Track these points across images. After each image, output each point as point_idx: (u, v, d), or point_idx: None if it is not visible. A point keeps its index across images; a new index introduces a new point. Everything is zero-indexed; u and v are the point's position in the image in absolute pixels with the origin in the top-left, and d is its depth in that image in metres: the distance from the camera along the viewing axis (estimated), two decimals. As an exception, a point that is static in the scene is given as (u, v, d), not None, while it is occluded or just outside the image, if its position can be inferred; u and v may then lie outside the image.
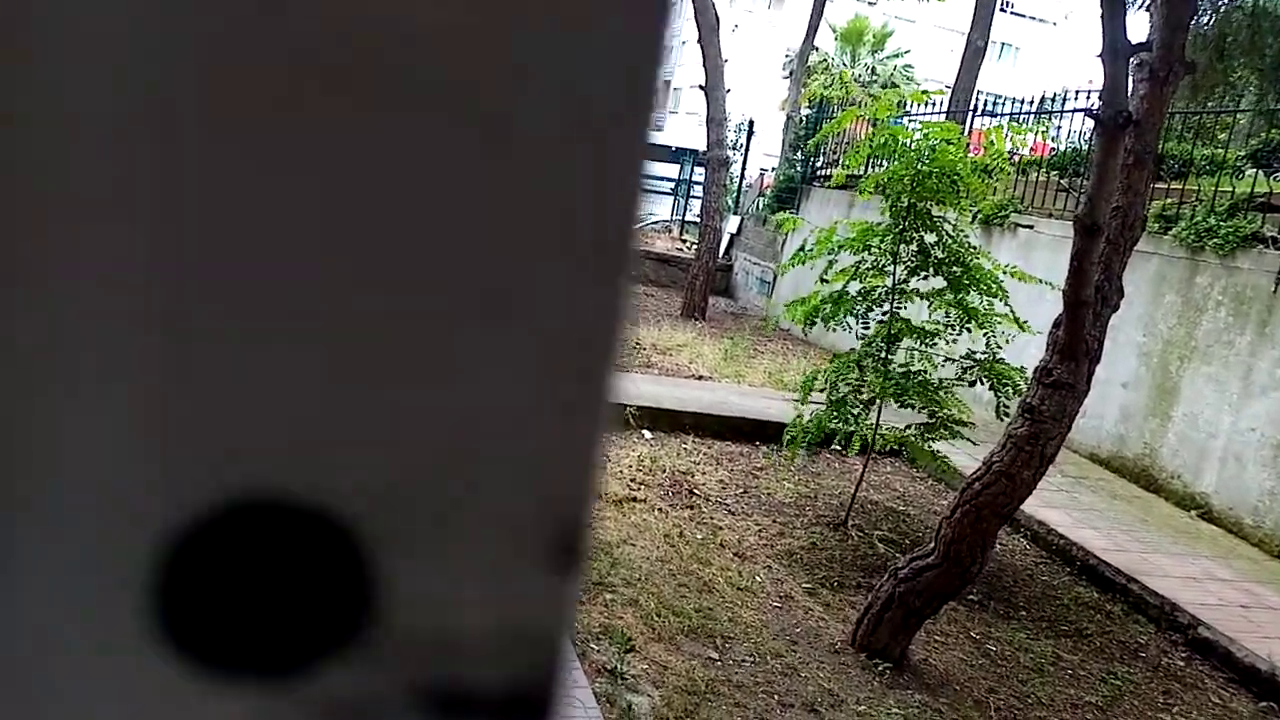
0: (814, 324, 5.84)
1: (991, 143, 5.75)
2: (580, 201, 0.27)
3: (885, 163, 5.82)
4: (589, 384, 0.27)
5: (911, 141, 5.62)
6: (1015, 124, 9.88)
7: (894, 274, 5.73)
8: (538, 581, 0.27)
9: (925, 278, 5.72)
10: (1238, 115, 8.28)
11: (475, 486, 0.26)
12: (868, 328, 5.79)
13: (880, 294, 5.77)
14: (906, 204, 5.54)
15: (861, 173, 7.79)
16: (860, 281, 5.82)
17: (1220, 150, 8.38)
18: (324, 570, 0.26)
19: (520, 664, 0.28)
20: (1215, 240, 6.99)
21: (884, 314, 5.73)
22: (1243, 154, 8.35)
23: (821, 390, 5.83)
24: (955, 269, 5.56)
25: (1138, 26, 4.80)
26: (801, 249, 6.01)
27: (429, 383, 0.26)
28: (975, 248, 5.69)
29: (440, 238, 0.26)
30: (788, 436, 5.83)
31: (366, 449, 0.26)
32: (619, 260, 0.27)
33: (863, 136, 12.03)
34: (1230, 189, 7.34)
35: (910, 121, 9.35)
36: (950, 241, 5.59)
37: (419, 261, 0.26)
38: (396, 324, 0.25)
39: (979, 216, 8.19)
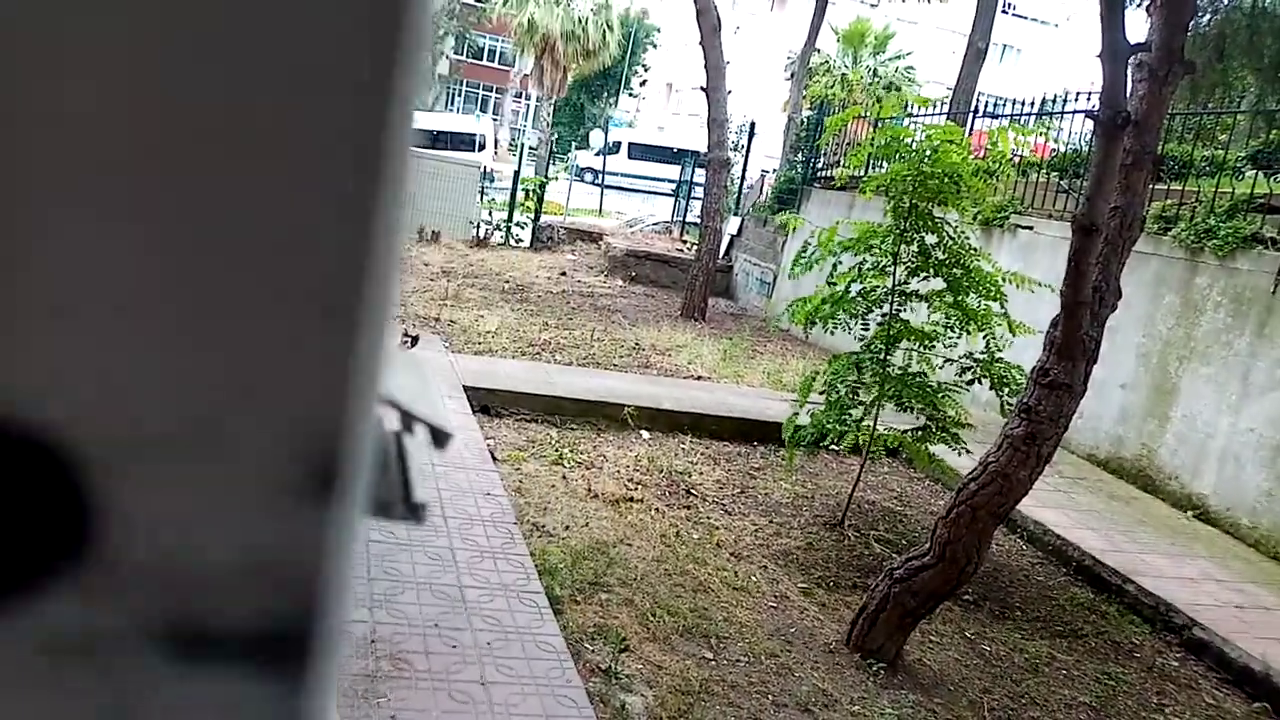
0: (814, 324, 5.84)
1: (995, 145, 5.74)
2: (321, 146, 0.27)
3: (886, 163, 5.82)
4: (340, 317, 0.27)
5: (914, 142, 5.62)
6: (1017, 125, 9.89)
7: (894, 275, 5.73)
8: (290, 514, 0.26)
9: (925, 279, 5.72)
10: (1237, 116, 8.27)
11: (217, 420, 0.25)
12: (867, 329, 5.79)
13: (880, 295, 5.77)
14: (908, 205, 5.54)
15: (862, 173, 7.79)
16: (861, 282, 5.82)
17: (1220, 151, 8.37)
18: (36, 498, 0.25)
19: (272, 600, 0.26)
20: (1214, 241, 6.99)
21: (884, 315, 5.74)
22: (1242, 155, 8.35)
23: (821, 392, 5.83)
24: (955, 271, 5.55)
25: (1137, 27, 4.81)
26: (804, 251, 6.01)
27: (164, 320, 0.25)
28: (976, 249, 5.68)
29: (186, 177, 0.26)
30: (786, 437, 5.83)
31: (96, 381, 0.25)
32: (369, 201, 0.27)
33: (864, 137, 12.06)
34: (1230, 190, 7.33)
35: (912, 122, 9.35)
36: (951, 243, 5.59)
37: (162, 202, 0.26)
38: (130, 263, 0.25)
39: (979, 218, 8.18)
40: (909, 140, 5.71)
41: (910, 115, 10.01)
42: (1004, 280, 5.56)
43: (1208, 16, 6.87)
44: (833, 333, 5.91)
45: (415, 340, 6.76)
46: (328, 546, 0.26)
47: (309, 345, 0.27)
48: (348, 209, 0.28)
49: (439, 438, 0.52)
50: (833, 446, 6.22)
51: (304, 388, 0.26)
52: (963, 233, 5.69)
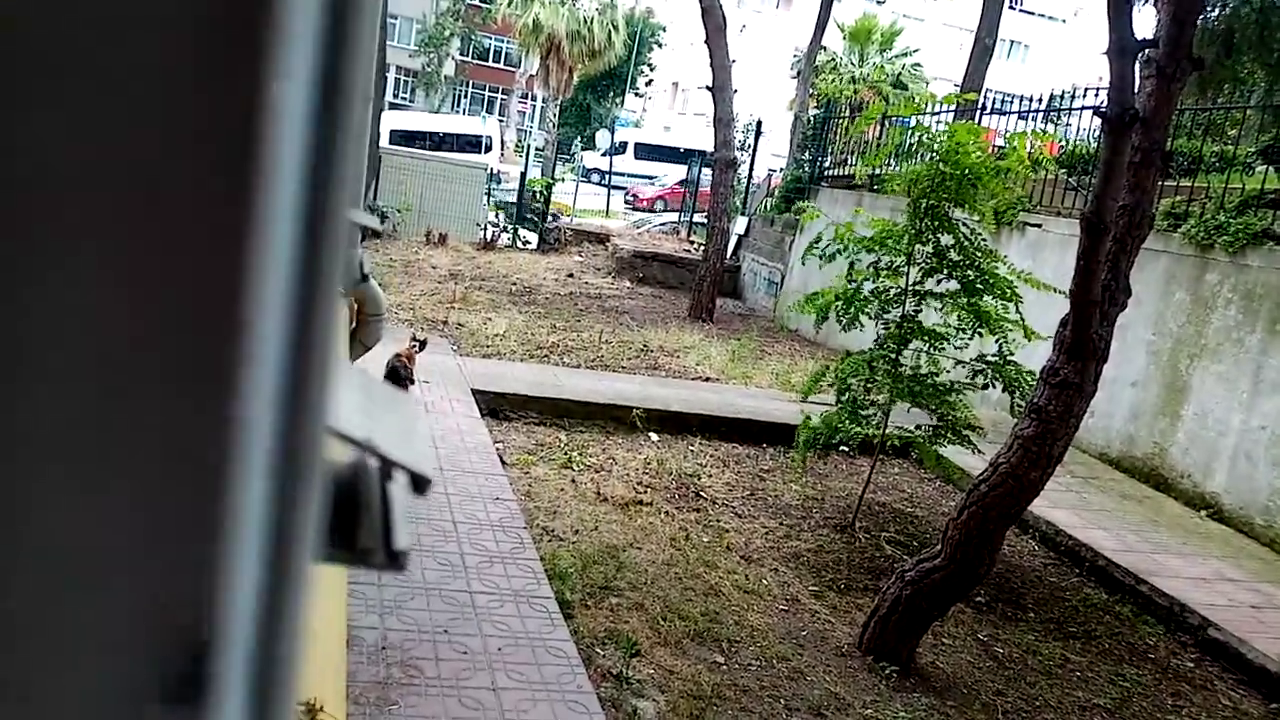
0: (825, 319, 5.81)
1: (1014, 149, 5.69)
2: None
3: (899, 163, 5.78)
4: (204, 503, 0.25)
5: (938, 140, 5.57)
6: (1036, 132, 9.85)
7: (908, 275, 5.70)
8: (147, 716, 0.23)
9: (940, 280, 5.68)
10: (1247, 111, 8.21)
11: (60, 622, 0.23)
12: (886, 327, 5.75)
13: (894, 294, 5.74)
14: (925, 205, 5.50)
15: (878, 171, 7.74)
16: (875, 281, 5.79)
17: (1230, 147, 8.32)
18: None
19: None
20: (1225, 238, 6.94)
21: (899, 315, 5.71)
22: (1253, 150, 8.29)
23: (831, 385, 5.80)
24: (970, 273, 5.51)
25: (1145, 23, 4.78)
26: (817, 240, 5.96)
27: None
28: (992, 251, 5.64)
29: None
30: (801, 438, 5.79)
31: None
32: (228, 380, 0.24)
33: (872, 136, 12.01)
34: (1240, 185, 7.28)
35: (922, 121, 9.31)
36: (967, 244, 5.55)
37: None
38: None
39: (989, 216, 8.15)
40: (929, 138, 5.67)
41: (921, 113, 9.98)
42: (1019, 279, 5.52)
43: (1216, 11, 6.81)
44: (846, 330, 5.88)
45: (423, 345, 6.75)
46: None
47: (171, 533, 0.24)
48: (208, 381, 0.26)
49: (419, 484, 0.51)
50: (843, 448, 6.20)
51: (161, 580, 0.24)
52: (978, 234, 5.64)
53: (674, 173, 28.98)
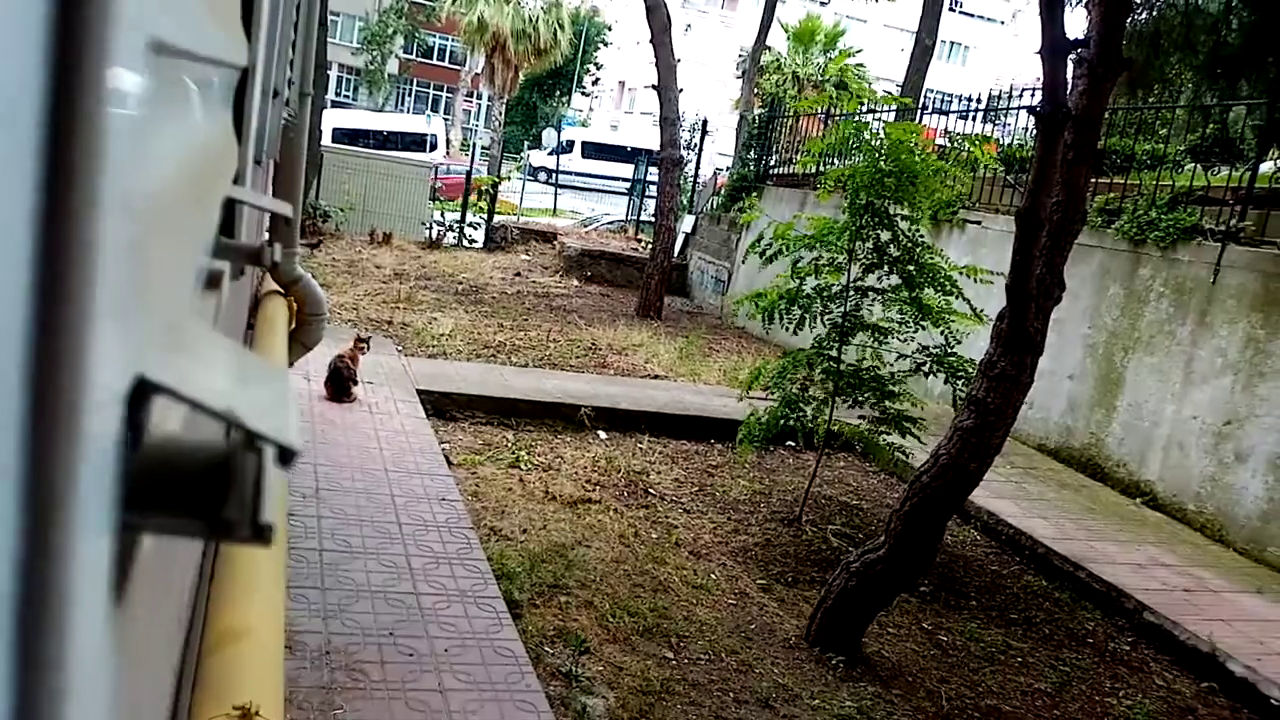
0: (772, 319, 5.86)
1: (954, 148, 5.81)
2: None
3: (839, 160, 5.87)
4: None
5: (874, 139, 5.66)
6: (965, 121, 10.04)
7: (849, 271, 5.78)
8: None
9: (880, 276, 5.77)
10: (1176, 111, 8.47)
11: None
12: (829, 324, 5.82)
13: (836, 291, 5.81)
14: (865, 201, 5.59)
15: (816, 170, 7.83)
16: (817, 278, 5.86)
17: (1160, 145, 8.56)
18: None
19: None
20: (1156, 233, 7.15)
21: (840, 312, 5.78)
22: (1182, 149, 8.54)
23: (766, 388, 5.87)
24: (910, 267, 5.61)
25: (1078, 24, 4.89)
26: (758, 240, 6.03)
27: None
28: (929, 245, 5.75)
29: None
30: (740, 435, 5.85)
31: None
32: None
33: (816, 134, 12.14)
34: (1170, 183, 7.51)
35: (864, 119, 9.44)
36: (905, 239, 5.65)
37: None
38: None
39: (927, 213, 8.30)
40: (867, 135, 5.76)
41: (865, 112, 10.13)
42: (958, 274, 5.64)
43: (1144, 14, 7.02)
44: (789, 329, 5.94)
45: (367, 343, 6.67)
46: None
47: None
48: None
49: (285, 455, 0.50)
50: (789, 443, 6.25)
51: None
52: (916, 229, 5.76)
53: (621, 170, 28.97)
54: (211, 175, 1.06)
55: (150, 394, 0.44)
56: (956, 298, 5.58)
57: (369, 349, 6.69)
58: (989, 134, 9.37)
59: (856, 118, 8.50)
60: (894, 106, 10.76)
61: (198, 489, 0.50)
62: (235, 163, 1.49)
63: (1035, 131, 4.35)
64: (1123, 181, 7.95)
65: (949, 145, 5.89)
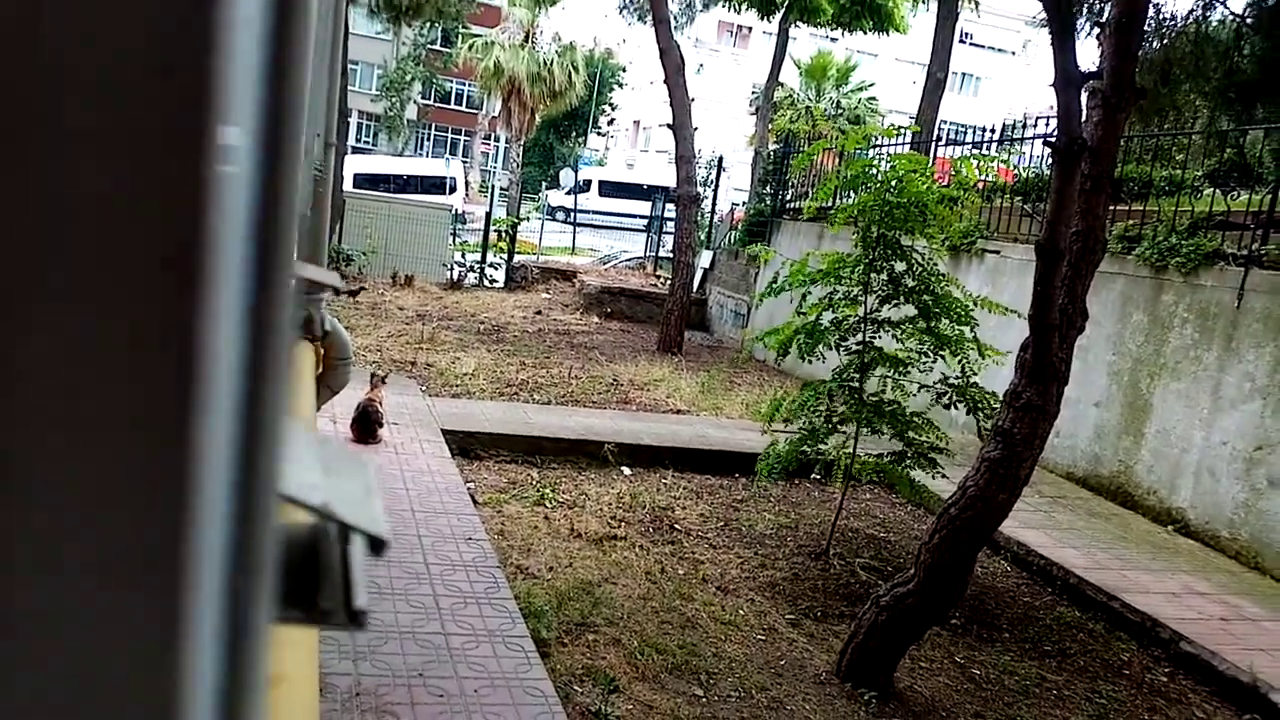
0: (787, 353, 5.88)
1: (959, 171, 5.84)
2: None
3: (853, 195, 5.91)
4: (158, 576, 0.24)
5: (879, 172, 5.71)
6: (978, 155, 10.06)
7: (865, 303, 5.80)
8: None
9: (896, 305, 5.79)
10: (1193, 136, 8.47)
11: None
12: (848, 355, 5.83)
13: (853, 323, 5.83)
14: (876, 234, 5.62)
15: (831, 204, 7.89)
16: (834, 311, 5.88)
17: (1178, 171, 8.56)
18: None
19: None
20: (1178, 259, 7.12)
21: (858, 343, 5.79)
22: (1199, 174, 8.53)
23: (786, 420, 5.87)
24: (925, 297, 5.62)
25: (1089, 55, 4.93)
26: (774, 280, 6.07)
27: None
28: (944, 275, 5.76)
29: None
30: (759, 466, 5.85)
31: None
32: None
33: (830, 169, 12.21)
34: (1190, 208, 7.49)
35: (876, 153, 9.50)
36: (920, 270, 5.67)
37: None
38: None
39: (946, 244, 8.32)
40: (874, 171, 5.81)
41: (874, 145, 10.18)
42: (974, 305, 5.64)
43: (1154, 43, 7.05)
44: (809, 362, 5.95)
45: (384, 380, 6.75)
46: None
47: None
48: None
49: (375, 546, 0.53)
50: (814, 475, 6.23)
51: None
52: (931, 260, 5.77)
53: (638, 208, 29.19)
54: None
55: None
56: (972, 329, 5.58)
57: (386, 383, 6.78)
58: (998, 156, 9.39)
59: (859, 152, 8.55)
60: (905, 131, 10.81)
61: (296, 579, 0.53)
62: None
63: (1051, 161, 4.37)
64: (1141, 208, 7.94)
65: (954, 173, 5.90)
